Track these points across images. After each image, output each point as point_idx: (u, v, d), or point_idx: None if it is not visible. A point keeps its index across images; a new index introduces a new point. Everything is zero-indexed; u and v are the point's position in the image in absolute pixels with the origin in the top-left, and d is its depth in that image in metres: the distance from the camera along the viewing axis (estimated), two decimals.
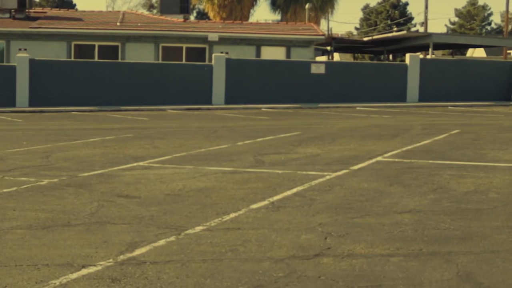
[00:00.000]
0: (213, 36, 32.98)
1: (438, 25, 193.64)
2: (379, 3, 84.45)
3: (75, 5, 78.19)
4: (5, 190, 9.04)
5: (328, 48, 44.36)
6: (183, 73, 29.16)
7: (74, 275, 5.44)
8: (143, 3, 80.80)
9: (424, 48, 45.90)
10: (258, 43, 33.62)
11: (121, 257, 5.94)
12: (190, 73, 29.18)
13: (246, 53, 32.95)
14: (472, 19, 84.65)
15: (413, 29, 75.88)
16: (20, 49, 31.18)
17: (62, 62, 29.05)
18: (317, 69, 30.58)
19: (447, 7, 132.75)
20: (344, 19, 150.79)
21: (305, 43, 33.88)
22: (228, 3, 48.22)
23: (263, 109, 26.78)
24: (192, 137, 15.80)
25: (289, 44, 33.72)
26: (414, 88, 31.93)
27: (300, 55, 33.37)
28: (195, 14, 72.51)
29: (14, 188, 9.18)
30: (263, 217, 7.53)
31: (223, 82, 29.22)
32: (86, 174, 10.44)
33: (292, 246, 6.31)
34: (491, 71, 33.01)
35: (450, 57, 53.06)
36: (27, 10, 35.17)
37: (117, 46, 32.77)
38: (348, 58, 62.06)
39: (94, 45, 32.87)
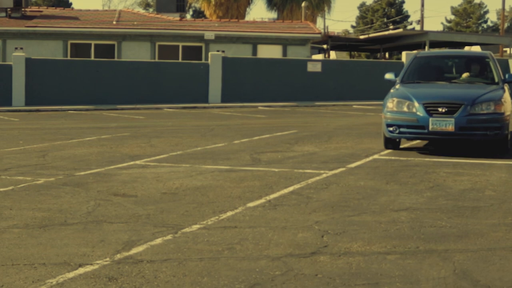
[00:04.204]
0: (209, 35, 32.95)
1: (434, 23, 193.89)
2: (375, 1, 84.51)
3: (71, 4, 78.08)
4: (1, 189, 9.03)
5: (325, 46, 44.41)
6: (180, 72, 29.14)
7: (71, 274, 5.44)
8: (139, 2, 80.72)
9: (420, 46, 45.93)
10: (254, 42, 33.59)
11: (118, 256, 5.94)
12: (186, 72, 29.16)
13: (243, 51, 32.92)
14: (468, 17, 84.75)
15: (409, 27, 75.94)
16: (16, 48, 31.13)
17: (58, 61, 28.99)
18: (314, 67, 30.58)
19: (443, 5, 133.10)
20: (340, 17, 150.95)
21: (302, 41, 33.87)
22: (224, 2, 48.19)
23: (259, 108, 26.79)
24: (188, 136, 15.80)
25: (285, 43, 33.69)
26: None
27: (296, 53, 33.35)
28: (191, 12, 72.48)
29: (10, 187, 9.18)
30: (260, 215, 7.54)
31: (219, 80, 29.21)
32: (82, 173, 10.43)
33: (289, 244, 6.31)
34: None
35: None
36: (23, 9, 35.10)
37: (113, 45, 32.72)
38: (344, 56, 62.13)
39: (90, 44, 32.81)
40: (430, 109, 11.99)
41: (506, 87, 13.32)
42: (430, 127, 11.91)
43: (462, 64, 14.67)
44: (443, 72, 14.46)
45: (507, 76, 13.51)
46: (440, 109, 11.94)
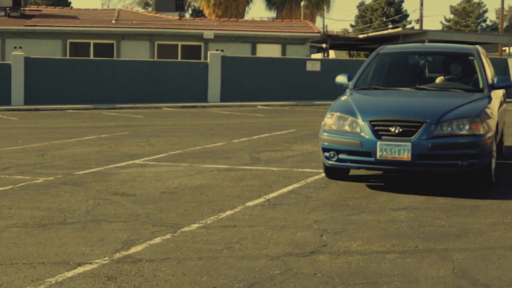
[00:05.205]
0: (208, 34, 32.94)
1: (434, 22, 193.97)
2: (374, 1, 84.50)
3: (70, 3, 78.01)
4: (0, 189, 9.03)
5: (324, 45, 44.38)
6: (179, 71, 29.12)
7: (70, 273, 5.44)
8: (138, 1, 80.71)
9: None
10: (253, 41, 33.58)
11: (117, 255, 5.95)
12: (186, 71, 29.14)
13: (242, 50, 32.90)
14: (467, 16, 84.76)
15: (408, 26, 75.95)
16: (15, 47, 31.11)
17: (57, 60, 28.96)
18: (313, 66, 30.58)
19: (442, 4, 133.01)
20: (340, 17, 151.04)
21: (301, 41, 33.86)
22: (223, 1, 48.18)
23: (258, 107, 26.79)
24: (187, 135, 15.79)
25: (284, 42, 33.68)
26: None
27: (295, 52, 33.33)
28: (190, 11, 72.48)
29: (9, 187, 9.17)
30: (259, 214, 7.54)
31: (218, 79, 29.19)
32: (81, 172, 10.42)
33: (288, 243, 6.32)
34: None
35: None
36: (22, 8, 35.07)
37: (112, 44, 32.70)
38: (343, 55, 62.12)
39: (89, 43, 32.80)
40: (379, 128, 8.66)
41: (498, 93, 10.38)
42: (378, 154, 8.52)
43: (439, 64, 11.30)
44: (412, 74, 10.96)
45: (495, 80, 10.15)
46: (392, 129, 8.59)
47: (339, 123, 9.00)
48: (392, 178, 9.76)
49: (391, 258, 5.84)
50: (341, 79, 10.71)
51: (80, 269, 5.54)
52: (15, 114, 23.44)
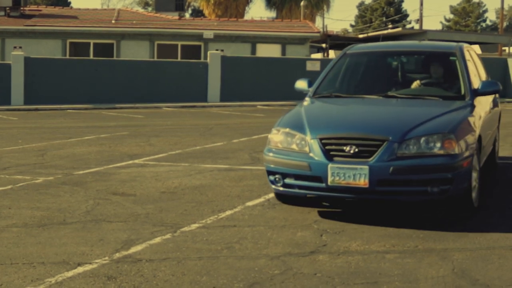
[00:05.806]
0: (208, 34, 32.95)
1: (433, 22, 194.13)
2: (374, 0, 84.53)
3: (70, 3, 78.05)
4: (0, 188, 9.03)
5: (323, 45, 44.41)
6: (178, 71, 29.12)
7: (70, 273, 5.44)
8: (138, 1, 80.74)
9: None
10: (253, 41, 33.59)
11: (117, 255, 5.95)
12: (185, 71, 29.14)
13: (242, 50, 32.91)
14: (467, 16, 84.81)
15: (408, 26, 76.00)
16: (15, 47, 31.11)
17: (57, 60, 28.97)
18: (313, 66, 30.57)
19: (442, 4, 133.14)
20: (339, 16, 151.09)
21: (300, 40, 33.87)
22: (223, 1, 48.22)
23: (258, 107, 26.79)
24: (187, 135, 15.79)
25: (284, 42, 33.69)
26: None
27: (295, 52, 33.34)
28: (190, 11, 72.50)
29: (9, 186, 9.17)
30: (258, 214, 7.54)
31: (218, 79, 29.20)
32: (81, 172, 10.42)
33: (287, 243, 6.32)
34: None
35: None
36: (22, 8, 35.08)
37: (112, 44, 32.71)
38: None
39: (89, 43, 32.81)
40: (331, 148, 7.07)
41: (484, 99, 8.76)
42: (330, 179, 6.94)
43: (415, 65, 9.74)
44: (383, 78, 9.22)
45: (480, 86, 8.37)
46: (346, 149, 6.97)
47: (286, 140, 7.44)
48: None
49: (391, 258, 5.84)
50: (300, 84, 9.21)
51: (80, 269, 5.54)
52: (15, 114, 23.44)
